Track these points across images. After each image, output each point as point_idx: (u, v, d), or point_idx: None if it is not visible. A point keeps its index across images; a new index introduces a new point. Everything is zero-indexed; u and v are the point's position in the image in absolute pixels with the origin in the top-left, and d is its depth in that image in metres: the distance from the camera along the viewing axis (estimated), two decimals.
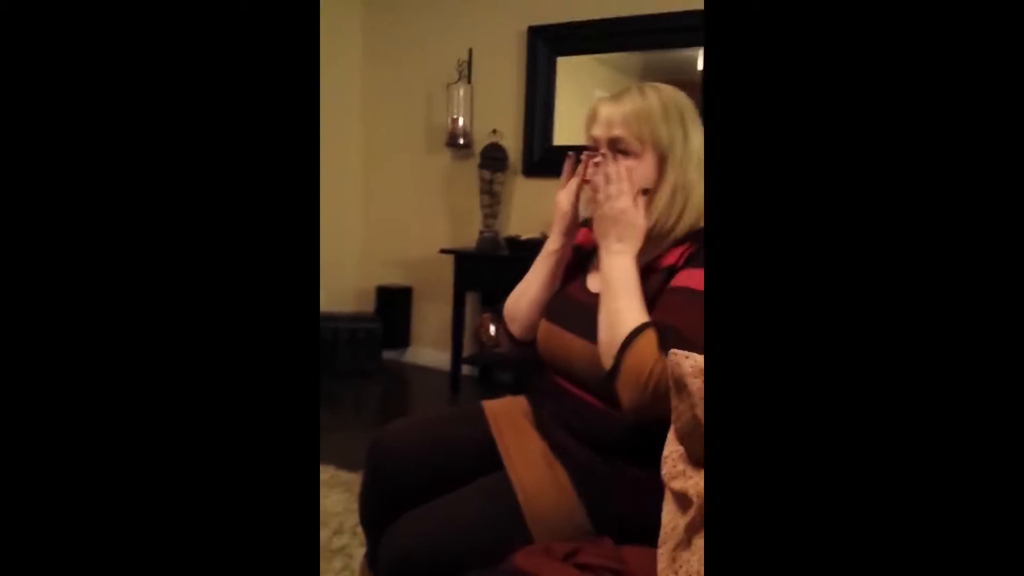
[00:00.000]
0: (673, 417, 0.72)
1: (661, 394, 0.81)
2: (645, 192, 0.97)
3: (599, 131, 1.00)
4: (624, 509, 0.91)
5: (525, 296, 1.15)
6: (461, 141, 3.10)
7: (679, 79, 2.67)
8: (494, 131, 3.01)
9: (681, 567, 0.68)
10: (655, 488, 0.77)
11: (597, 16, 2.79)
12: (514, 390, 1.19)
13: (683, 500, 0.71)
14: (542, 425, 1.03)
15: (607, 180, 0.96)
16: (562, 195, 1.08)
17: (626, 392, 0.85)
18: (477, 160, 3.02)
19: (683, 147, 0.97)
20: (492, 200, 2.98)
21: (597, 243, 1.00)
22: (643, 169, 0.97)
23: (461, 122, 3.08)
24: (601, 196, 0.97)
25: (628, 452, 0.93)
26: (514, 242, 2.85)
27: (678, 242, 0.97)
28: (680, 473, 0.72)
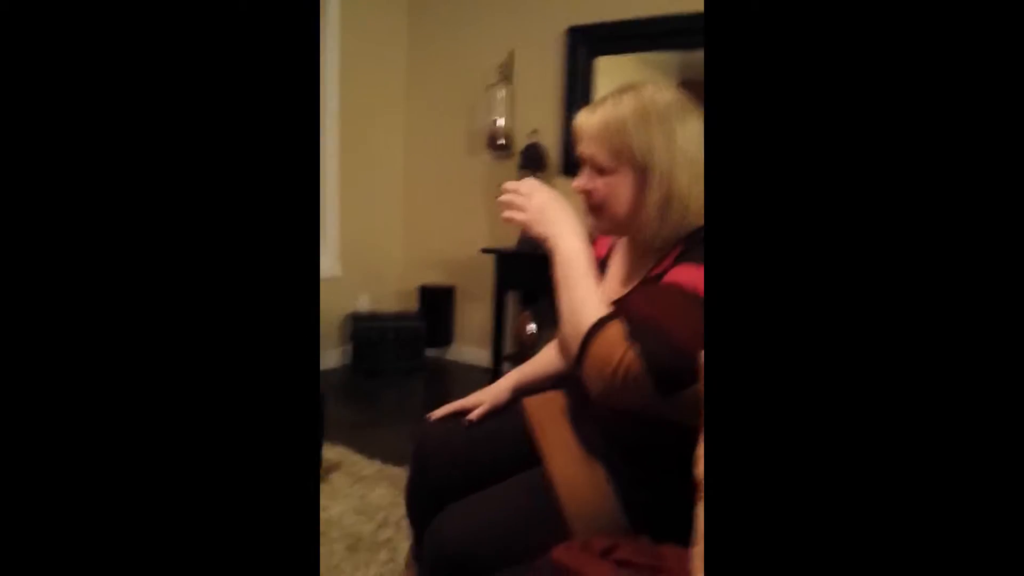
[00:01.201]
0: (703, 414, 0.73)
1: (631, 382, 0.80)
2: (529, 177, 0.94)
3: (579, 147, 0.96)
4: (660, 508, 0.92)
5: None
6: (501, 142, 3.13)
7: None
8: (534, 131, 3.04)
9: None
10: (689, 488, 0.79)
11: (635, 16, 2.79)
12: (553, 386, 1.21)
13: None
14: (577, 422, 1.05)
15: (515, 199, 0.95)
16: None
17: (592, 382, 0.84)
18: (518, 160, 3.05)
19: (666, 153, 0.90)
20: None
21: (608, 254, 1.00)
22: (621, 186, 0.93)
23: (501, 123, 3.11)
24: (520, 205, 0.95)
25: (657, 456, 0.94)
26: None
27: (672, 247, 0.94)
28: None
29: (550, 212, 0.94)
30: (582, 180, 0.97)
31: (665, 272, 0.91)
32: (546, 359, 1.24)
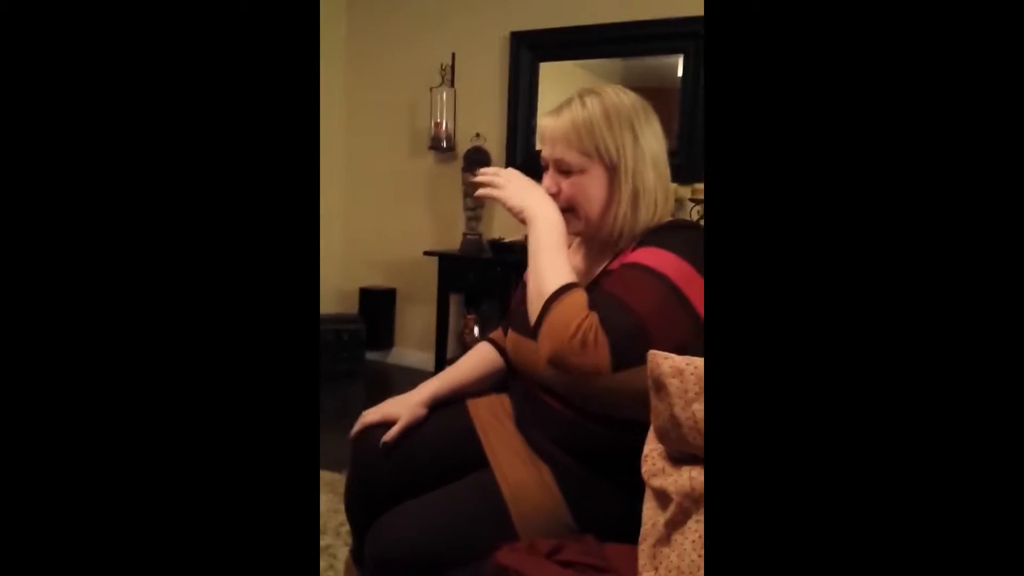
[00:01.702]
0: (652, 416, 0.75)
1: (588, 347, 0.80)
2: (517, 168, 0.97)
3: (545, 151, 0.98)
4: (606, 507, 0.93)
5: None
6: (444, 144, 3.11)
7: (659, 85, 2.74)
8: (477, 135, 3.03)
9: (661, 563, 0.71)
10: (635, 487, 0.80)
11: (579, 23, 2.82)
12: (497, 389, 1.20)
13: (663, 497, 0.73)
14: (523, 425, 1.05)
15: (492, 179, 0.97)
16: None
17: (547, 341, 0.84)
18: (460, 163, 3.04)
19: (633, 151, 0.94)
20: (475, 203, 3.00)
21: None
22: (593, 185, 0.95)
23: (444, 125, 3.10)
24: (498, 184, 0.97)
25: (603, 456, 0.94)
26: (497, 245, 2.87)
27: (630, 244, 0.96)
28: (659, 471, 0.75)
29: (526, 188, 0.96)
30: (547, 183, 0.98)
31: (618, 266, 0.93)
32: (469, 365, 1.20)
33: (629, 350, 0.81)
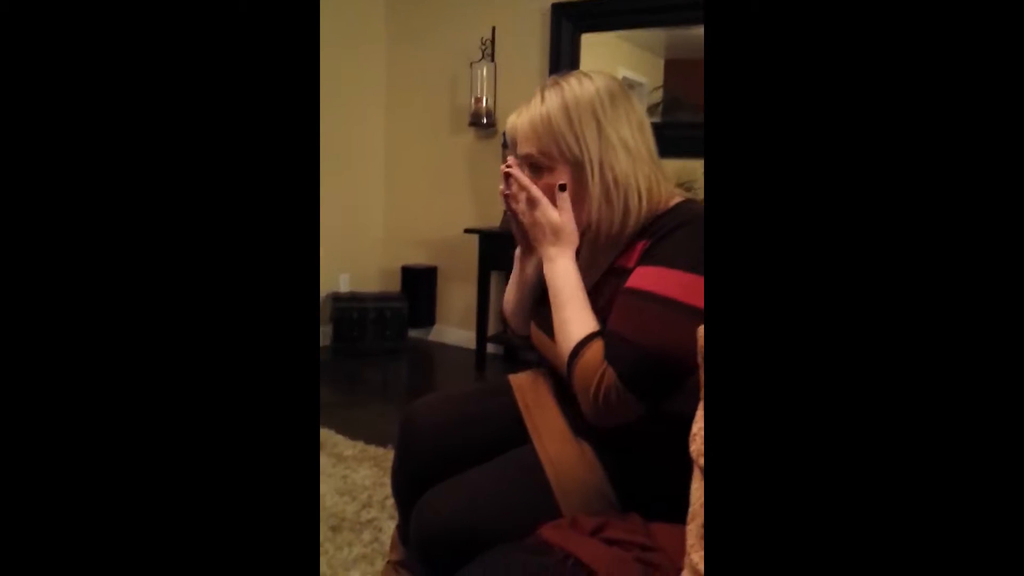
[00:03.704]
0: (704, 393, 0.73)
1: (614, 403, 0.83)
2: (563, 187, 0.93)
3: (516, 151, 0.97)
4: (651, 486, 0.92)
5: (507, 298, 1.16)
6: (484, 120, 3.09)
7: (702, 56, 2.65)
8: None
9: None
10: (683, 466, 0.78)
11: None
12: (539, 366, 1.20)
13: None
14: (565, 402, 1.04)
15: (517, 191, 0.95)
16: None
17: (583, 405, 0.88)
18: (501, 139, 3.02)
19: (598, 143, 0.91)
20: None
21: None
22: (564, 182, 0.93)
23: (485, 101, 3.08)
24: (517, 208, 0.96)
25: (648, 434, 0.93)
26: None
27: (636, 237, 0.94)
28: None
29: (550, 225, 0.94)
30: (509, 170, 0.97)
31: (630, 266, 0.91)
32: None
33: (656, 390, 0.83)
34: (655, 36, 2.79)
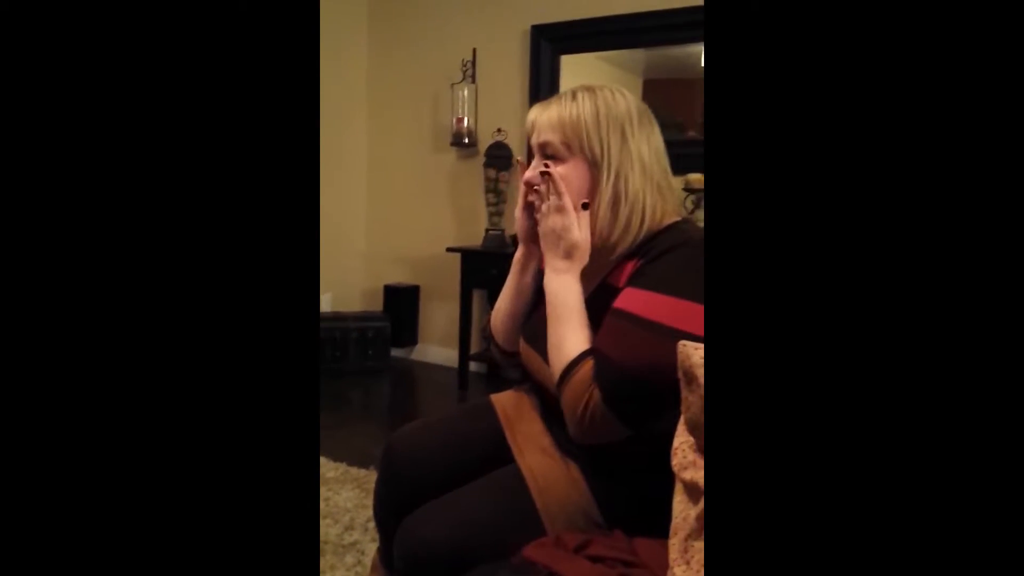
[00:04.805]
0: (683, 408, 0.73)
1: (598, 424, 0.84)
2: (586, 206, 0.94)
3: (532, 138, 0.98)
4: (634, 502, 0.92)
5: (500, 308, 1.14)
6: (466, 140, 3.11)
7: (681, 76, 2.70)
8: (498, 130, 3.02)
9: (693, 556, 0.69)
10: (665, 480, 0.78)
11: (599, 14, 2.79)
12: (522, 384, 1.19)
13: (694, 490, 0.72)
14: (549, 420, 1.04)
15: (545, 195, 0.94)
16: (517, 207, 1.05)
17: (568, 418, 0.88)
18: (482, 159, 3.03)
19: (619, 155, 0.92)
20: (497, 198, 2.99)
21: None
22: (574, 177, 0.93)
23: (466, 121, 3.10)
24: (540, 212, 0.95)
25: (631, 450, 0.93)
26: None
27: (629, 256, 0.94)
28: (691, 463, 0.73)
29: (568, 237, 0.93)
30: (530, 174, 0.97)
31: (620, 285, 0.92)
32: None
33: (638, 413, 0.84)
34: (633, 56, 2.83)
